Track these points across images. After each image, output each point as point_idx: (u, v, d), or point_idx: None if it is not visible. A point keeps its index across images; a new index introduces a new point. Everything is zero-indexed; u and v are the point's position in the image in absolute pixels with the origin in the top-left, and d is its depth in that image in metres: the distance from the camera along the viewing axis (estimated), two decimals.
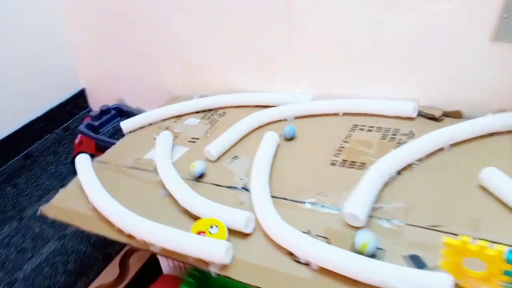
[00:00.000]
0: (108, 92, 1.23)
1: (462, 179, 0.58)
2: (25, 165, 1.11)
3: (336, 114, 0.80)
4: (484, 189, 0.55)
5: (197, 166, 0.69)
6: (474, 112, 0.71)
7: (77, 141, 1.16)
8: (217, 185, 0.67)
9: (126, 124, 0.91)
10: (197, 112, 0.93)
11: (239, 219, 0.55)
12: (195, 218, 0.60)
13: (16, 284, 0.89)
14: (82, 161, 0.78)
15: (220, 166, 0.72)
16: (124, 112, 1.18)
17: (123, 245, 0.93)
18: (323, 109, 0.80)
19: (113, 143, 1.00)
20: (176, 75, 1.05)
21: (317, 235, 0.53)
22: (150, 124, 0.92)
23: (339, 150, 0.69)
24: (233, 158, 0.73)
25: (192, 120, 0.90)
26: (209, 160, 0.74)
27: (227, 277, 0.51)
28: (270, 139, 0.72)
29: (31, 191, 1.08)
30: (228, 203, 0.60)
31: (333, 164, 0.66)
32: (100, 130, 1.11)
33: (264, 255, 0.53)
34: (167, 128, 0.89)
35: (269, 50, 0.86)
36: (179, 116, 0.93)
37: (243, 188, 0.65)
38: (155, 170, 0.73)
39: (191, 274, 0.62)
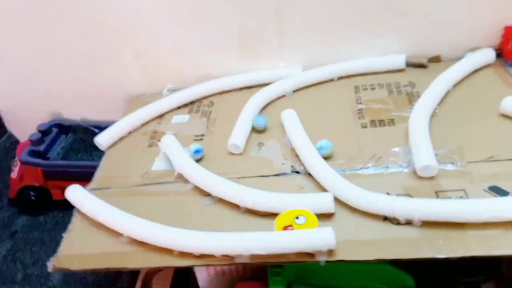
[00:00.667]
0: (34, 109, 1.01)
1: (483, 113, 0.65)
2: None
3: (331, 80, 0.81)
4: (505, 116, 0.63)
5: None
6: (452, 55, 0.80)
7: (14, 175, 0.94)
8: (262, 176, 0.63)
9: (102, 140, 0.77)
10: (178, 107, 0.84)
11: (326, 201, 0.53)
12: (260, 215, 0.56)
13: None
14: (78, 194, 0.64)
15: (250, 158, 0.67)
16: (66, 128, 1.00)
17: (132, 274, 0.82)
18: (320, 77, 0.80)
19: (87, 165, 0.86)
20: (131, 70, 0.90)
21: (398, 194, 0.55)
22: (129, 133, 0.81)
23: (359, 113, 0.71)
24: (259, 145, 0.69)
25: (180, 118, 0.81)
26: (233, 154, 0.69)
27: (341, 260, 0.50)
28: (292, 116, 0.70)
29: None
30: (288, 191, 0.58)
31: (365, 127, 0.68)
32: (48, 156, 0.92)
33: (359, 228, 0.52)
34: (154, 133, 0.78)
35: (252, 24, 0.80)
36: (160, 117, 0.83)
37: (294, 172, 0.62)
38: (178, 180, 0.65)
39: (273, 272, 0.58)
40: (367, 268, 0.60)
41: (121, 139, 0.79)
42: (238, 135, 0.69)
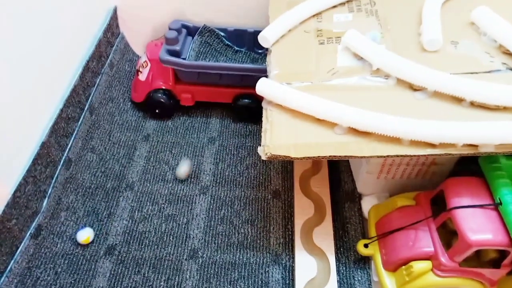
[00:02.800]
0: (153, 9, 0.95)
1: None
2: (93, 122, 0.84)
3: None
4: None
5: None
6: None
7: (143, 77, 0.91)
8: (472, 73, 0.59)
9: (268, 34, 0.71)
10: (334, 6, 0.79)
11: None
12: (489, 109, 0.53)
13: None
14: (276, 86, 0.61)
15: (448, 55, 0.62)
16: (191, 31, 0.94)
17: (284, 176, 0.82)
18: None
19: (235, 68, 0.83)
20: None
21: None
22: (289, 31, 0.76)
23: None
24: (452, 43, 0.65)
25: (342, 16, 0.75)
26: (426, 52, 0.64)
27: None
28: (487, 12, 0.65)
29: (113, 153, 0.85)
30: None
31: None
32: (183, 57, 0.88)
33: None
34: (319, 31, 0.74)
35: None
36: (317, 15, 0.78)
37: (509, 69, 0.59)
38: (377, 75, 0.62)
39: (492, 167, 0.57)
40: None
41: (282, 36, 0.75)
42: (433, 30, 0.65)
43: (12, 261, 0.64)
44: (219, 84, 0.91)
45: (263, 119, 0.63)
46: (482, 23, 0.65)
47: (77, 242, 0.71)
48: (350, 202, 0.76)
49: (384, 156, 0.54)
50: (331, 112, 0.57)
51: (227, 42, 0.97)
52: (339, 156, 0.55)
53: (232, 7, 0.94)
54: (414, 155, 0.53)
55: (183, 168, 0.81)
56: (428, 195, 0.63)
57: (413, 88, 0.59)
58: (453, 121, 0.53)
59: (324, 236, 0.70)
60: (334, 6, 0.78)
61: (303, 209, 0.74)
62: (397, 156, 0.54)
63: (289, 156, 0.56)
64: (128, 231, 0.74)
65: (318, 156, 0.56)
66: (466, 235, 0.52)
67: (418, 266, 0.56)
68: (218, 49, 0.96)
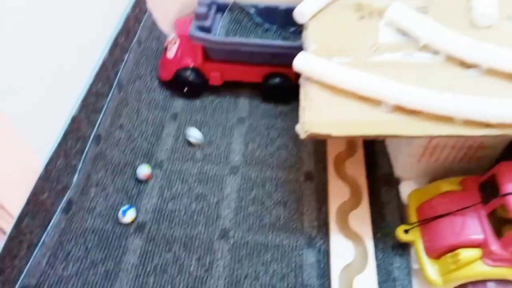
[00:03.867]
0: None
1: None
2: (121, 99, 0.83)
3: None
4: None
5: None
6: None
7: (171, 55, 0.89)
8: None
9: (305, 9, 0.68)
10: None
11: None
12: None
13: None
14: (316, 62, 0.58)
15: (504, 34, 0.59)
16: (220, 7, 0.91)
17: (316, 158, 0.79)
18: None
19: (271, 45, 0.80)
20: None
21: None
22: (326, 6, 0.72)
23: None
24: (509, 18, 0.60)
25: None
26: (475, 28, 0.60)
27: None
28: None
29: (141, 131, 0.83)
30: None
31: None
32: (213, 33, 0.85)
33: None
34: (359, 5, 0.69)
35: None
36: None
37: None
38: (424, 51, 0.58)
39: None
40: None
41: (319, 11, 0.71)
42: (486, 2, 0.60)
43: (45, 234, 0.63)
44: (249, 62, 0.88)
45: (301, 96, 0.60)
46: None
47: (117, 221, 0.70)
48: (387, 186, 0.73)
49: (435, 136, 0.51)
50: (377, 89, 0.53)
51: (257, 19, 0.94)
52: (385, 135, 0.52)
53: None
54: (469, 135, 0.49)
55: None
56: (476, 180, 0.59)
57: (465, 65, 0.56)
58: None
59: (361, 221, 0.67)
60: None
61: (338, 192, 0.71)
62: (450, 136, 0.50)
63: (330, 135, 0.53)
64: (158, 209, 0.73)
65: (362, 135, 0.53)
66: None
67: (467, 253, 0.53)
68: (248, 26, 0.92)
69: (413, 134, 0.51)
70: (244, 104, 0.92)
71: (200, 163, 0.80)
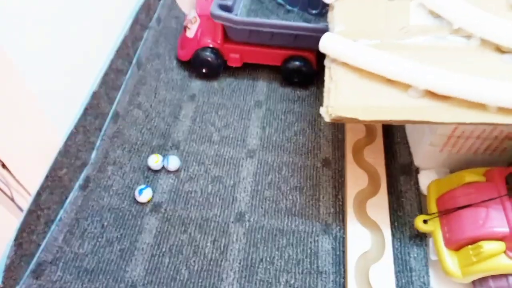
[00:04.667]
0: None
1: None
2: (140, 78, 0.82)
3: None
4: None
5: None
6: None
7: (191, 34, 0.87)
8: None
9: None
10: None
11: None
12: None
13: None
14: (342, 43, 0.56)
15: None
16: None
17: (337, 145, 0.78)
18: None
19: (293, 27, 0.78)
20: None
21: None
22: None
23: None
24: None
25: None
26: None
27: None
28: None
29: (159, 111, 0.83)
30: None
31: None
32: (235, 13, 0.84)
33: None
34: None
35: None
36: None
37: None
38: (456, 34, 0.55)
39: None
40: None
41: None
42: None
43: (62, 210, 0.64)
44: (270, 44, 0.86)
45: (326, 78, 0.58)
46: None
47: (134, 200, 0.70)
48: (406, 175, 0.71)
49: (467, 124, 0.49)
50: (406, 72, 0.51)
51: (279, 0, 0.92)
52: (414, 121, 0.51)
53: None
54: (503, 124, 0.47)
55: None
56: (503, 172, 0.57)
57: (501, 50, 0.53)
58: None
59: (379, 209, 0.66)
60: None
61: (356, 180, 0.70)
62: (483, 124, 0.48)
63: (357, 119, 0.51)
64: (174, 190, 0.72)
65: (390, 120, 0.51)
66: None
67: (490, 246, 0.52)
68: (270, 7, 0.90)
69: (444, 121, 0.49)
70: (262, 87, 0.90)
71: (217, 146, 0.79)
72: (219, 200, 0.71)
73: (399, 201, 0.69)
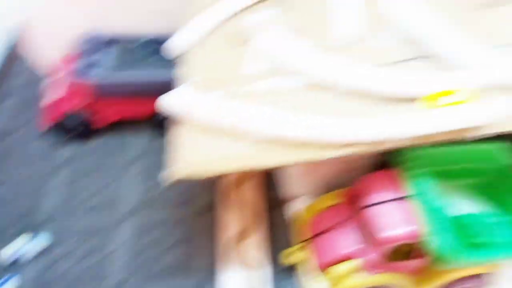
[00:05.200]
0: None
1: None
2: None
3: None
4: None
5: None
6: None
7: (56, 96, 0.83)
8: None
9: (177, 42, 0.67)
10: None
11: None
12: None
13: None
14: (185, 96, 0.57)
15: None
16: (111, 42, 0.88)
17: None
18: None
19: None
20: None
21: None
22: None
23: None
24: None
25: (265, 13, 0.69)
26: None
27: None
28: None
29: (23, 186, 0.76)
30: None
31: None
32: (99, 71, 0.81)
33: None
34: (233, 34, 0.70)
35: None
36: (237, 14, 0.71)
37: None
38: (287, 75, 0.59)
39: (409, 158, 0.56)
40: None
41: (194, 44, 0.69)
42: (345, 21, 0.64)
43: None
44: (140, 97, 0.84)
45: (170, 137, 0.58)
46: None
47: None
48: (279, 207, 0.74)
49: (293, 164, 0.52)
50: (236, 120, 0.54)
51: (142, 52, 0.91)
52: (250, 168, 0.53)
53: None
54: (326, 158, 0.51)
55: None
56: (348, 193, 0.62)
57: (325, 88, 0.57)
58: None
59: (255, 248, 0.68)
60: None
61: (230, 222, 0.71)
62: (307, 161, 0.52)
63: (205, 175, 0.52)
64: (42, 273, 0.67)
65: (226, 172, 0.53)
66: (376, 234, 0.52)
67: (343, 267, 0.56)
68: (141, 58, 0.89)
69: (273, 165, 0.52)
70: (137, 142, 0.89)
71: (90, 214, 0.75)
72: (93, 275, 0.67)
73: (276, 235, 0.71)
